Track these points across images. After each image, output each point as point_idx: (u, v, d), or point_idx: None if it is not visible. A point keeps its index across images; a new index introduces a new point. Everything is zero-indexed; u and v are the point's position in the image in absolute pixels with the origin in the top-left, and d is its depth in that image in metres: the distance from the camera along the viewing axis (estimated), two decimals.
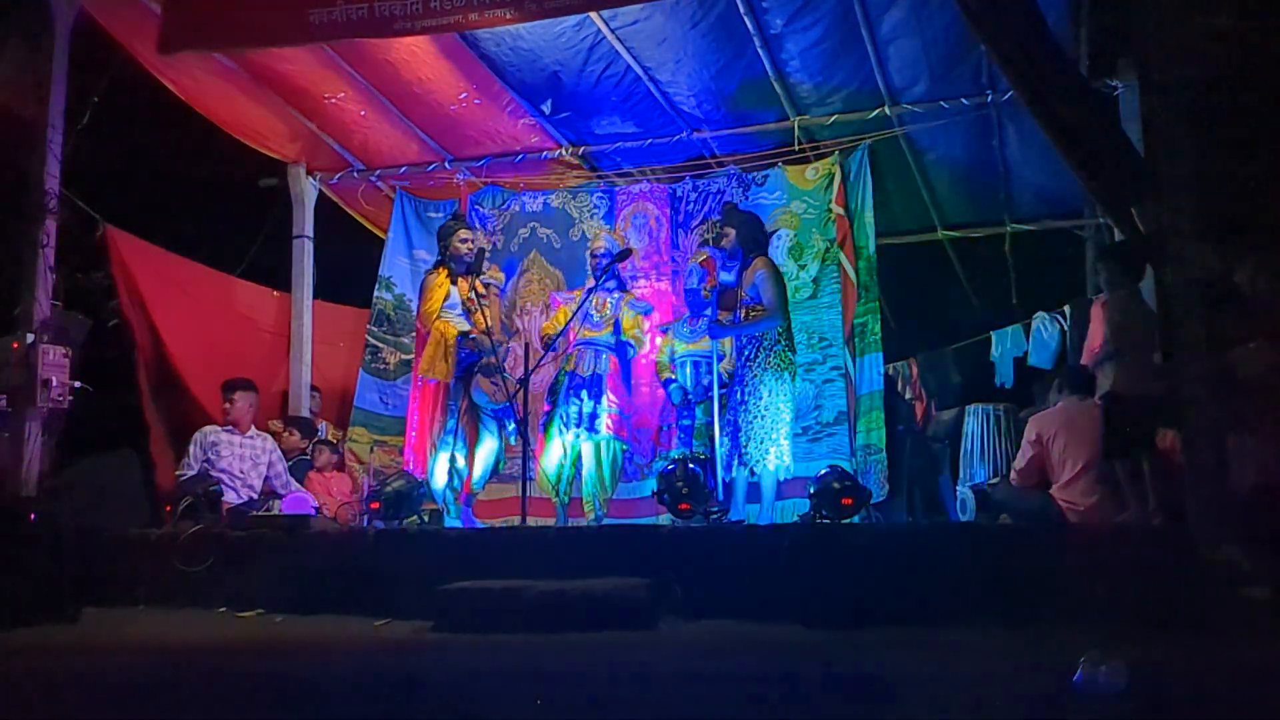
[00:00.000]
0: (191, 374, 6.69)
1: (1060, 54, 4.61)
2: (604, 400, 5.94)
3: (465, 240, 5.99)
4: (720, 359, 5.89)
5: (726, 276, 5.97)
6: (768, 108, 6.78)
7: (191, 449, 6.02)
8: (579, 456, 6.00)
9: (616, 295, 6.18)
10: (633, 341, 6.16)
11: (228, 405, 6.13)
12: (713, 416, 5.69)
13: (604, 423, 5.91)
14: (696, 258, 6.53)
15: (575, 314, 5.99)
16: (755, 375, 5.54)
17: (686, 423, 6.03)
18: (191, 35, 5.47)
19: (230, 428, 6.11)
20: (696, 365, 6.07)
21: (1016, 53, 4.44)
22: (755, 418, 5.51)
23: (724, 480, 5.65)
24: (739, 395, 5.60)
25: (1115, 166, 4.47)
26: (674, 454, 5.97)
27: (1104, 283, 5.15)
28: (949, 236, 8.29)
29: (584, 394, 5.93)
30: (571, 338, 6.04)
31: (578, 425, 5.90)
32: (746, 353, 5.61)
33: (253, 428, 6.24)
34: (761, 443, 5.48)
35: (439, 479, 5.85)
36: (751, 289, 5.62)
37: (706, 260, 6.41)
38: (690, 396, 6.03)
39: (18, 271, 5.51)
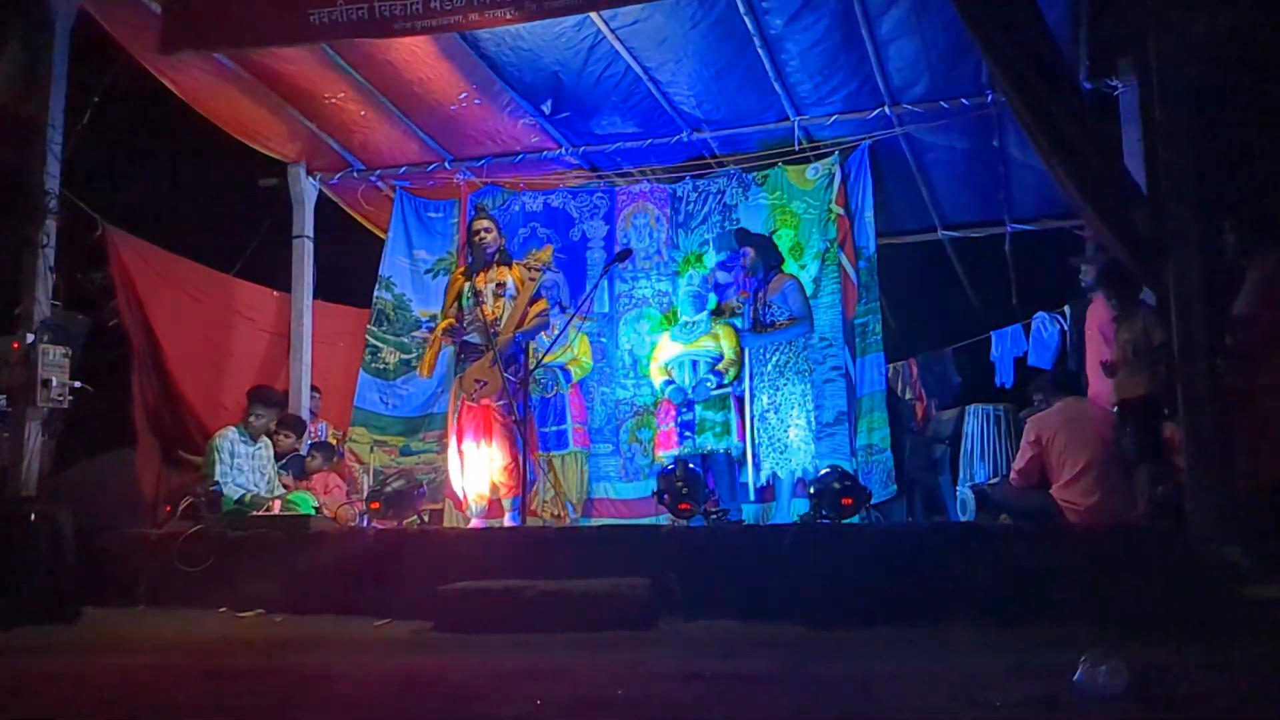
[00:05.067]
0: (187, 377, 6.65)
1: (1060, 62, 4.58)
2: (568, 418, 6.36)
3: (476, 232, 6.02)
4: (719, 359, 6.04)
5: (725, 276, 6.16)
6: (768, 108, 6.78)
7: (217, 456, 5.91)
8: (553, 472, 6.34)
9: (568, 318, 6.35)
10: (573, 369, 6.50)
11: (253, 418, 6.08)
12: (744, 416, 6.02)
13: (571, 437, 6.34)
14: (696, 265, 6.54)
15: (550, 346, 6.12)
16: (788, 380, 5.96)
17: (689, 417, 6.07)
18: (192, 35, 5.46)
19: (246, 436, 6.08)
20: (695, 364, 6.13)
21: (1016, 57, 4.42)
22: (790, 423, 5.91)
23: (747, 479, 6.00)
24: (769, 399, 5.95)
25: (1109, 179, 4.46)
26: (678, 453, 6.03)
27: (1114, 305, 5.12)
28: (949, 236, 8.29)
29: (550, 415, 6.34)
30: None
31: (547, 446, 6.32)
32: (776, 359, 5.99)
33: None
34: (793, 445, 5.88)
35: (453, 477, 5.90)
36: (779, 297, 6.07)
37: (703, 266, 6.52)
38: (690, 395, 6.07)
39: (18, 271, 5.50)
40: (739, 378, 6.15)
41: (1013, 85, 4.48)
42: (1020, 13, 4.44)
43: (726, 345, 6.19)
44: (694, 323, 6.30)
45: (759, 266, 6.22)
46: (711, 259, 6.95)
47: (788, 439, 5.94)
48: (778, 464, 5.96)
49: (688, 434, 6.06)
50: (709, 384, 6.08)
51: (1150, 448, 4.77)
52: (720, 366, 6.14)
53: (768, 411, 5.96)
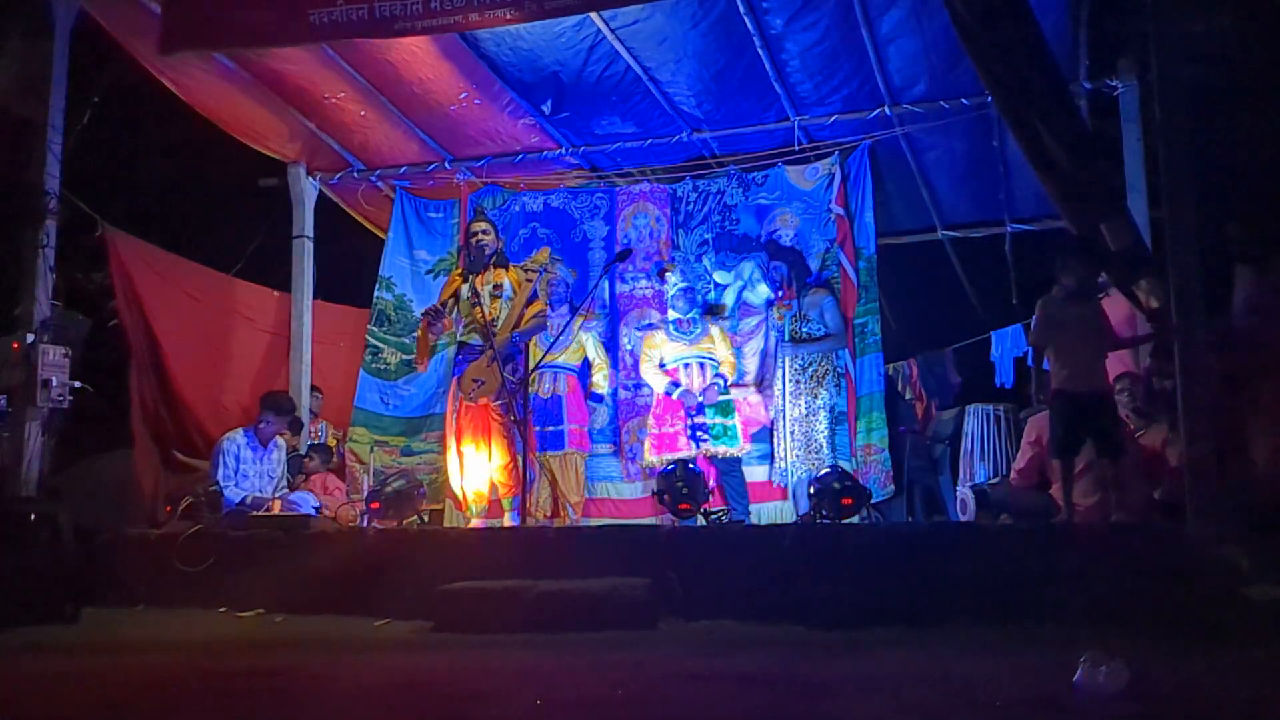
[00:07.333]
0: (187, 377, 6.62)
1: (1045, 64, 4.55)
2: (565, 419, 6.28)
3: (474, 234, 6.00)
4: (718, 361, 6.19)
5: (725, 276, 6.49)
6: (768, 108, 6.78)
7: (221, 460, 5.90)
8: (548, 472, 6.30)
9: (568, 318, 6.34)
10: (598, 380, 6.61)
11: (263, 424, 6.06)
12: (773, 420, 6.24)
13: (567, 439, 6.28)
14: (672, 280, 6.48)
15: (552, 345, 6.13)
16: (823, 388, 6.11)
17: (701, 420, 6.06)
18: (191, 35, 5.46)
19: (254, 441, 6.06)
20: (703, 366, 6.15)
21: (995, 58, 4.41)
22: (823, 429, 6.06)
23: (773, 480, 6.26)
24: (806, 406, 6.10)
25: (1091, 192, 4.46)
26: (687, 456, 5.98)
27: (1071, 283, 5.06)
28: (949, 236, 8.29)
29: (547, 415, 6.28)
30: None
31: (543, 446, 6.24)
32: (814, 369, 6.15)
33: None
34: (822, 450, 6.00)
35: (453, 478, 5.90)
36: (817, 313, 6.21)
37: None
38: (702, 399, 6.05)
39: (18, 271, 5.51)
40: (737, 379, 6.32)
41: (993, 88, 4.49)
42: (1006, 13, 4.43)
43: (721, 347, 6.23)
44: (690, 320, 6.27)
45: (792, 280, 6.33)
46: (711, 259, 6.96)
47: (819, 444, 6.03)
48: (803, 468, 6.01)
49: (703, 436, 6.04)
50: (719, 386, 6.11)
51: (1109, 442, 4.79)
52: (722, 370, 6.17)
53: (807, 416, 6.08)
